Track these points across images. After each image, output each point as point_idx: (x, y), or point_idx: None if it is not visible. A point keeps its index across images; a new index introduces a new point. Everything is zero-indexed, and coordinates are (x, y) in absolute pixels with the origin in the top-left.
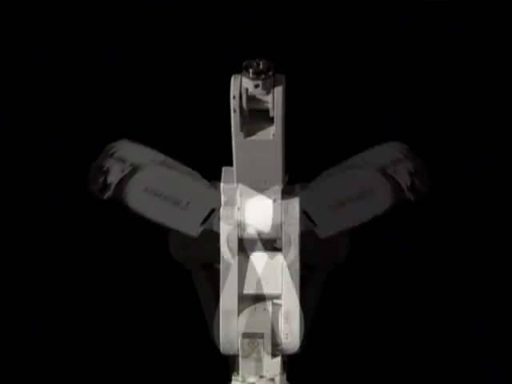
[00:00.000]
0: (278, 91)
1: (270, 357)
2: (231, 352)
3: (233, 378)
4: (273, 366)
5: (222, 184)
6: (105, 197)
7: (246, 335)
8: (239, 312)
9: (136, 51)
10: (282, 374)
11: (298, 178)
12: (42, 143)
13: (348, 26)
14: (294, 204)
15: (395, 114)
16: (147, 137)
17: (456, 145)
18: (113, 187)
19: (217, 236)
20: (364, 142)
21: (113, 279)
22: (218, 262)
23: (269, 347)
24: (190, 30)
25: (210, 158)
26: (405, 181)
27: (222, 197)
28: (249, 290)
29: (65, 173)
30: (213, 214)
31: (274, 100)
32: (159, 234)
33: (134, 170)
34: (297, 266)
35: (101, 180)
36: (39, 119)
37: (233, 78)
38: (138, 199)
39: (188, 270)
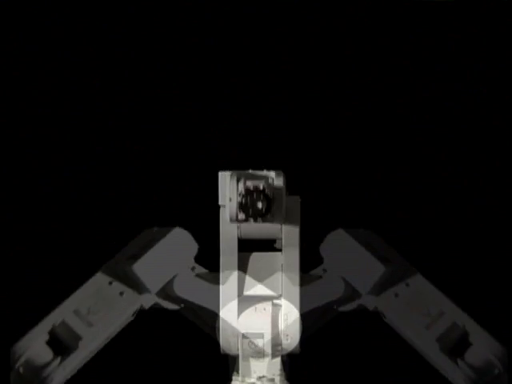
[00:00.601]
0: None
1: (269, 357)
2: (231, 352)
3: (233, 377)
4: (273, 366)
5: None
6: None
7: (246, 335)
8: (239, 312)
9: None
10: (281, 374)
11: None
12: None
13: (348, 26)
14: (295, 206)
15: (394, 114)
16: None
17: (455, 145)
18: None
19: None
20: (364, 142)
21: None
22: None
23: (269, 347)
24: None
25: (207, 162)
26: None
27: (221, 201)
28: (249, 291)
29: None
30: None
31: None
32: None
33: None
34: (297, 266)
35: None
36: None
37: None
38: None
39: None
